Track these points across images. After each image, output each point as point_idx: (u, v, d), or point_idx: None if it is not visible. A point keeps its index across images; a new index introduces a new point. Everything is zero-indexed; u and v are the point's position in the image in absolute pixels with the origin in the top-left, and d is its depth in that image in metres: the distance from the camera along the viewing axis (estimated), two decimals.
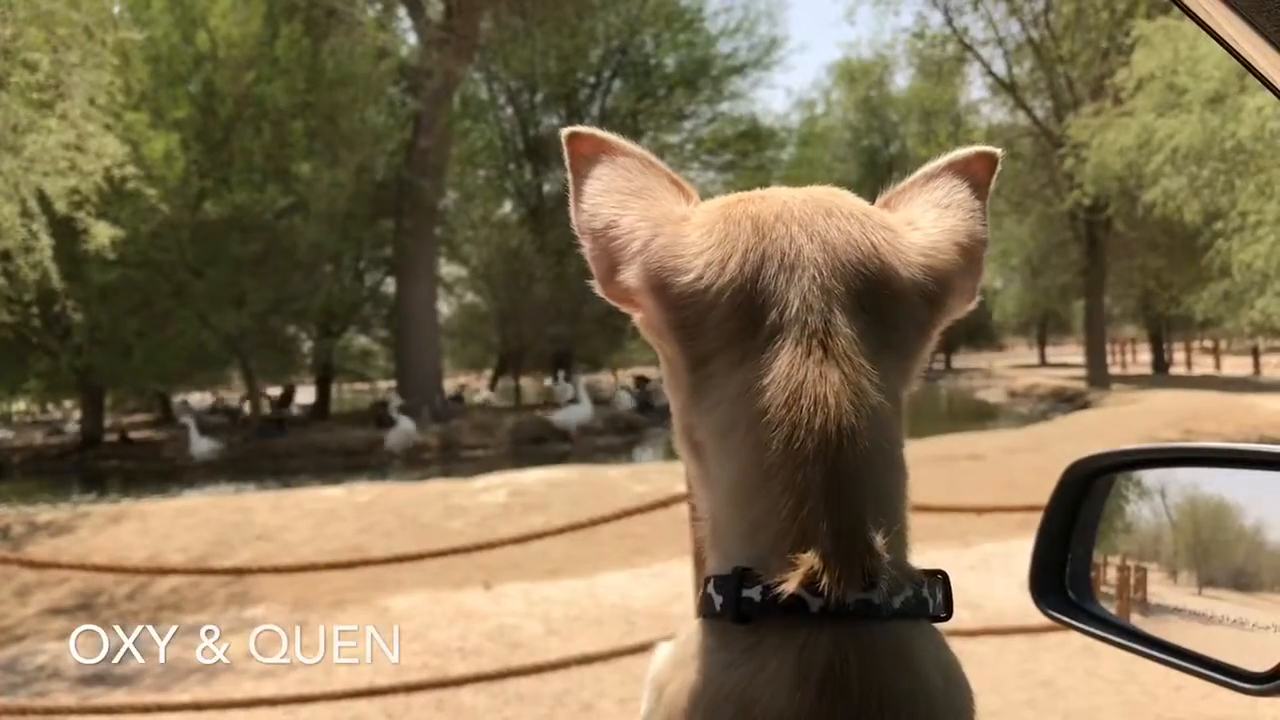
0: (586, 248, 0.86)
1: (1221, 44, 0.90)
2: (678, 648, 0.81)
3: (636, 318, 0.87)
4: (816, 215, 0.82)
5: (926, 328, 0.84)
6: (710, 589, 0.78)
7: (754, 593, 0.74)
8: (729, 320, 0.79)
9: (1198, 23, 0.88)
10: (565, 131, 0.88)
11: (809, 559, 0.73)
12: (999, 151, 0.94)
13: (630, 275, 0.83)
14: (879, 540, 0.74)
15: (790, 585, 0.72)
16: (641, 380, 34.23)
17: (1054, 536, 1.35)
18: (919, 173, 0.93)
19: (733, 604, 0.75)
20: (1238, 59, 0.91)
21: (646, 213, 0.84)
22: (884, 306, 0.80)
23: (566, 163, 0.88)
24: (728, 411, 0.79)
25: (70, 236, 15.35)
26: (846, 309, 0.79)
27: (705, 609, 0.79)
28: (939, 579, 0.80)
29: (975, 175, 0.92)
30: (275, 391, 34.43)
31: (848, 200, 0.86)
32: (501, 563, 8.62)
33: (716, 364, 0.80)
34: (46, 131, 13.61)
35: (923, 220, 0.87)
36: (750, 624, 0.74)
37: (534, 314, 32.68)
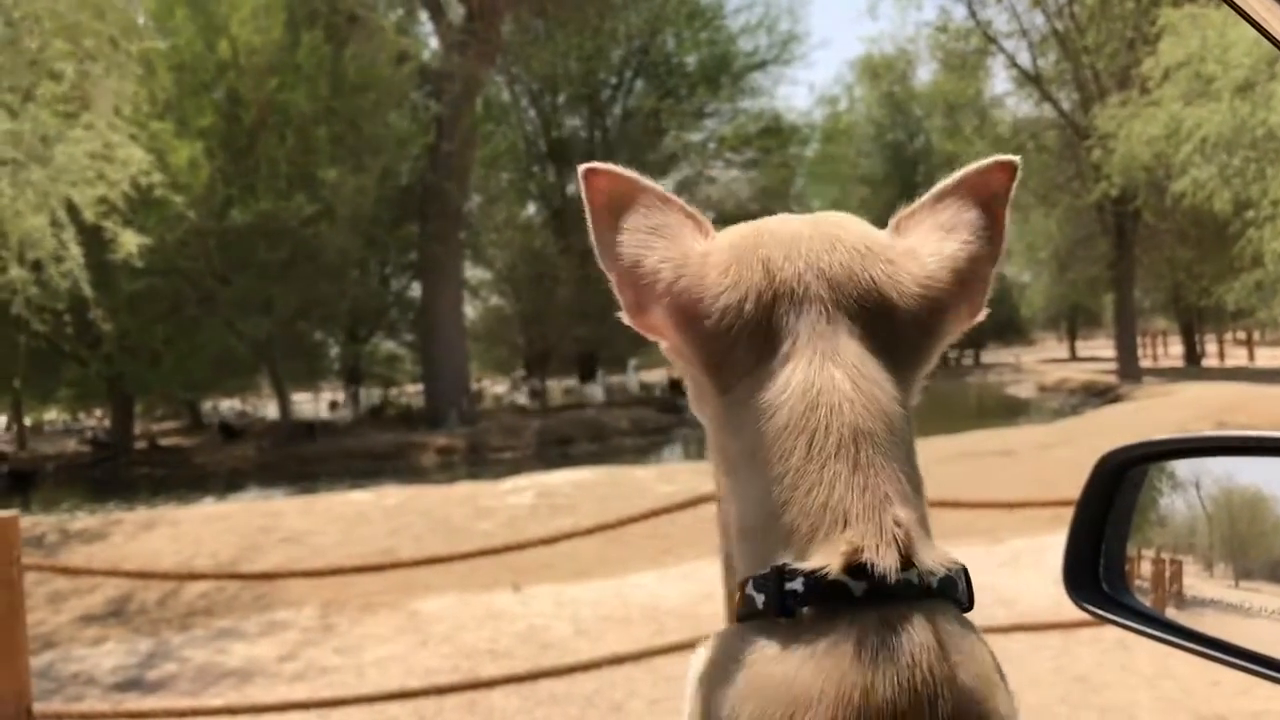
0: (613, 281, 0.90)
1: (1253, 25, 0.88)
2: (718, 648, 0.81)
3: (663, 345, 0.91)
4: (822, 251, 0.87)
5: (922, 352, 0.88)
6: (750, 589, 0.79)
7: (796, 584, 0.75)
8: (749, 353, 0.84)
9: (1230, 4, 0.86)
10: (582, 169, 0.91)
11: (846, 540, 0.75)
12: (1017, 160, 0.94)
13: (657, 313, 0.88)
14: (910, 520, 0.77)
15: (833, 570, 0.74)
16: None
17: (1087, 529, 1.32)
18: (932, 191, 0.94)
19: (776, 599, 0.76)
20: (1270, 40, 0.89)
21: (667, 253, 0.88)
22: (883, 335, 0.85)
23: (584, 198, 0.91)
24: (753, 432, 0.82)
25: (99, 246, 15.49)
26: (852, 336, 0.84)
27: (745, 610, 0.79)
28: (960, 568, 0.81)
29: (991, 188, 0.93)
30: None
31: (852, 232, 0.90)
32: (530, 564, 8.62)
33: (740, 390, 0.85)
34: (74, 141, 13.74)
35: (924, 248, 0.90)
36: (793, 617, 0.75)
37: (558, 316, 32.79)
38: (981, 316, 0.92)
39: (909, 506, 0.78)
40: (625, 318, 0.91)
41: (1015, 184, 0.94)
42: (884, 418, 0.81)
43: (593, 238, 0.91)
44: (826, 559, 0.75)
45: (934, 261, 0.88)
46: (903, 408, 0.83)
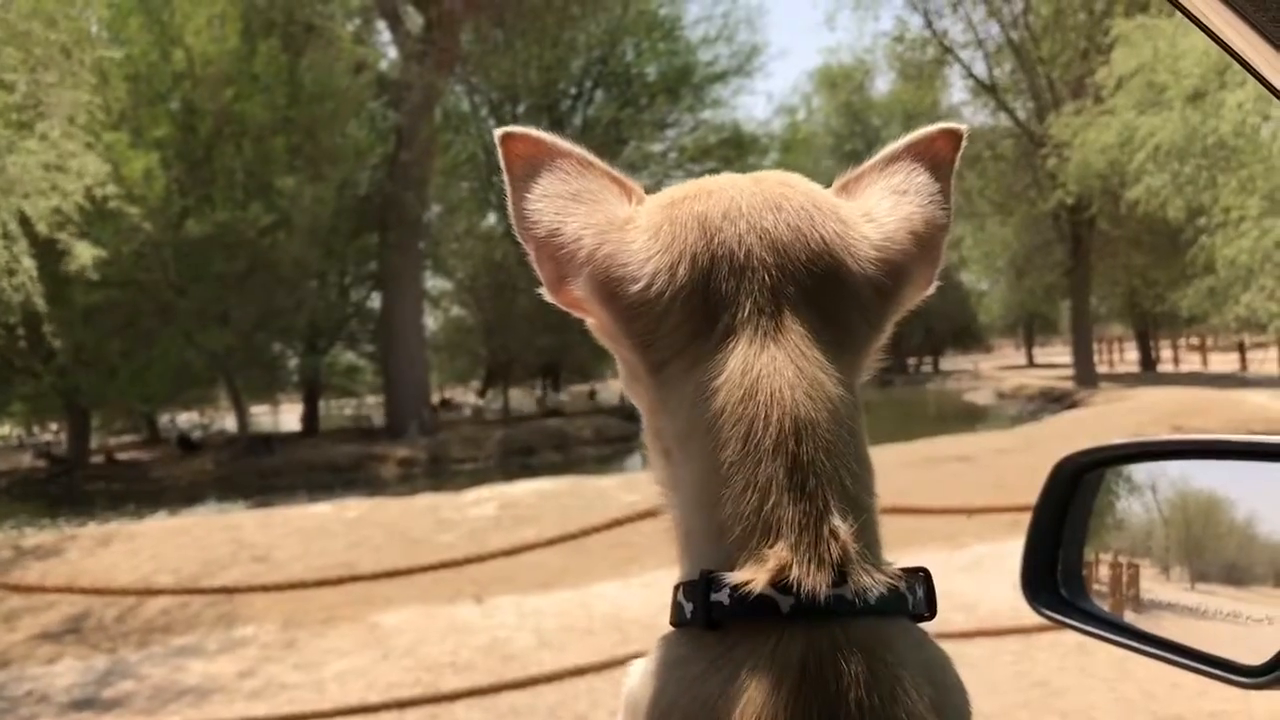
0: (531, 255, 0.84)
1: (1205, 31, 0.89)
2: (650, 663, 0.77)
3: (589, 323, 0.86)
4: (765, 210, 0.80)
5: (878, 321, 0.83)
6: (680, 596, 0.76)
7: (722, 596, 0.71)
8: (683, 326, 0.78)
9: (1181, 10, 0.87)
10: (499, 132, 0.85)
11: (775, 555, 0.71)
12: (963, 128, 0.91)
13: (578, 285, 0.81)
14: (847, 533, 0.72)
15: (758, 584, 0.70)
16: None
17: (1045, 534, 1.33)
18: (879, 155, 0.91)
19: (702, 610, 0.72)
20: (1221, 46, 0.90)
21: (589, 219, 0.82)
22: (834, 303, 0.79)
23: (502, 165, 0.85)
24: (687, 415, 0.77)
25: (53, 258, 15.30)
26: (798, 307, 0.78)
27: (676, 618, 0.76)
28: (919, 576, 0.77)
29: (938, 155, 0.90)
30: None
31: (799, 191, 0.84)
32: (493, 575, 8.57)
33: (674, 368, 0.79)
34: (26, 152, 13.57)
35: (878, 209, 0.85)
36: (721, 630, 0.72)
37: (520, 325, 32.67)
38: (931, 290, 0.87)
39: (849, 514, 0.73)
40: (545, 294, 0.85)
41: (960, 152, 0.91)
42: (828, 405, 0.75)
43: (510, 208, 0.84)
44: (754, 571, 0.71)
45: (892, 222, 0.84)
46: (849, 391, 0.78)
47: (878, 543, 0.76)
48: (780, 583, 0.70)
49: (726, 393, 0.75)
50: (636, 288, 0.78)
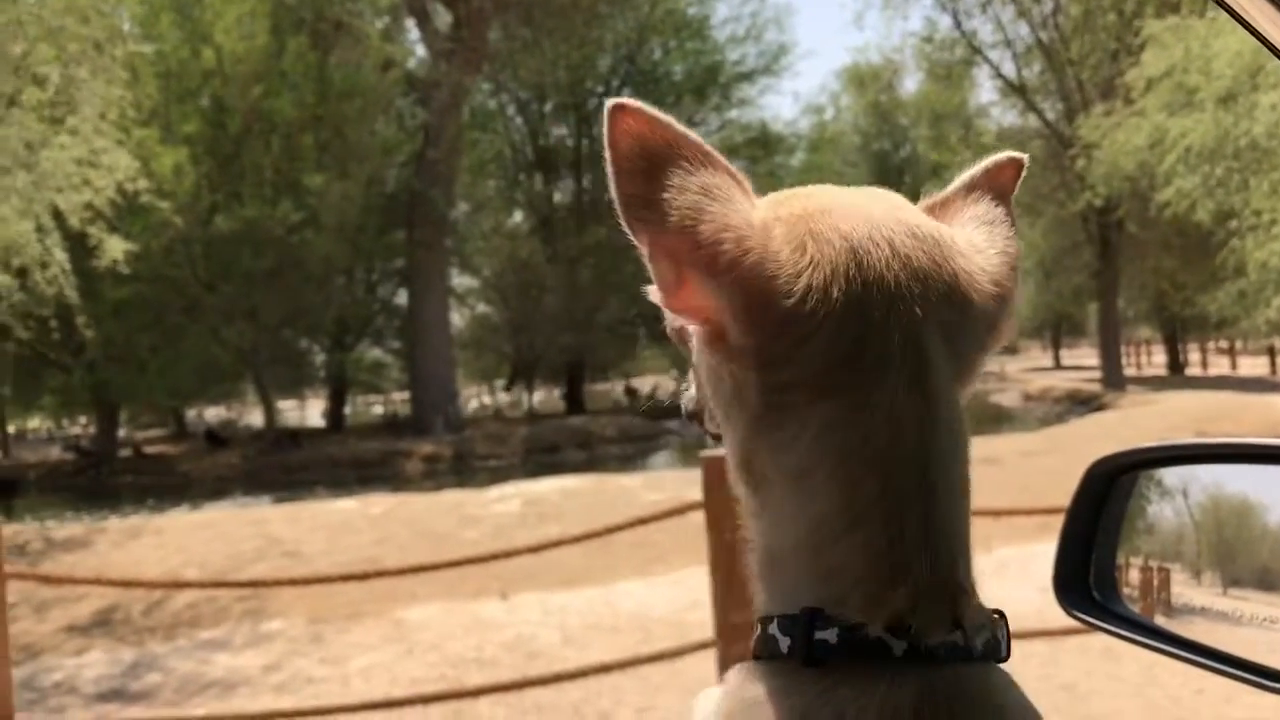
0: (644, 250, 0.75)
1: (1248, 28, 0.88)
2: (731, 695, 0.73)
3: (694, 330, 0.79)
4: (904, 235, 0.75)
5: (983, 359, 0.79)
6: (774, 629, 0.72)
7: (829, 634, 0.68)
8: (827, 351, 0.71)
9: (1223, 6, 0.86)
10: (610, 104, 0.74)
11: (898, 599, 0.68)
12: (1025, 158, 0.89)
13: (716, 292, 0.73)
14: (969, 582, 0.71)
15: (875, 628, 0.68)
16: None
17: (1077, 536, 1.32)
18: (959, 182, 0.87)
19: (803, 646, 0.69)
20: (1264, 43, 0.89)
21: (727, 220, 0.73)
22: (960, 338, 0.75)
23: (607, 142, 0.74)
24: (809, 448, 0.72)
25: (84, 252, 15.45)
26: (935, 342, 0.73)
27: (766, 650, 0.72)
28: (1002, 619, 0.75)
29: (1003, 184, 0.87)
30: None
31: (918, 214, 0.79)
32: (517, 572, 8.59)
33: (797, 394, 0.72)
34: (59, 147, 13.70)
35: (980, 240, 0.81)
36: (822, 668, 0.68)
37: (546, 324, 32.75)
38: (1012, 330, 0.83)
39: (970, 558, 0.72)
40: (654, 294, 0.76)
41: (1020, 182, 0.88)
42: (961, 450, 0.73)
43: (616, 192, 0.74)
44: (871, 613, 0.68)
45: (997, 256, 0.80)
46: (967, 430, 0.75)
47: (975, 582, 0.74)
48: (894, 627, 0.68)
49: (870, 431, 0.70)
50: (789, 304, 0.71)
